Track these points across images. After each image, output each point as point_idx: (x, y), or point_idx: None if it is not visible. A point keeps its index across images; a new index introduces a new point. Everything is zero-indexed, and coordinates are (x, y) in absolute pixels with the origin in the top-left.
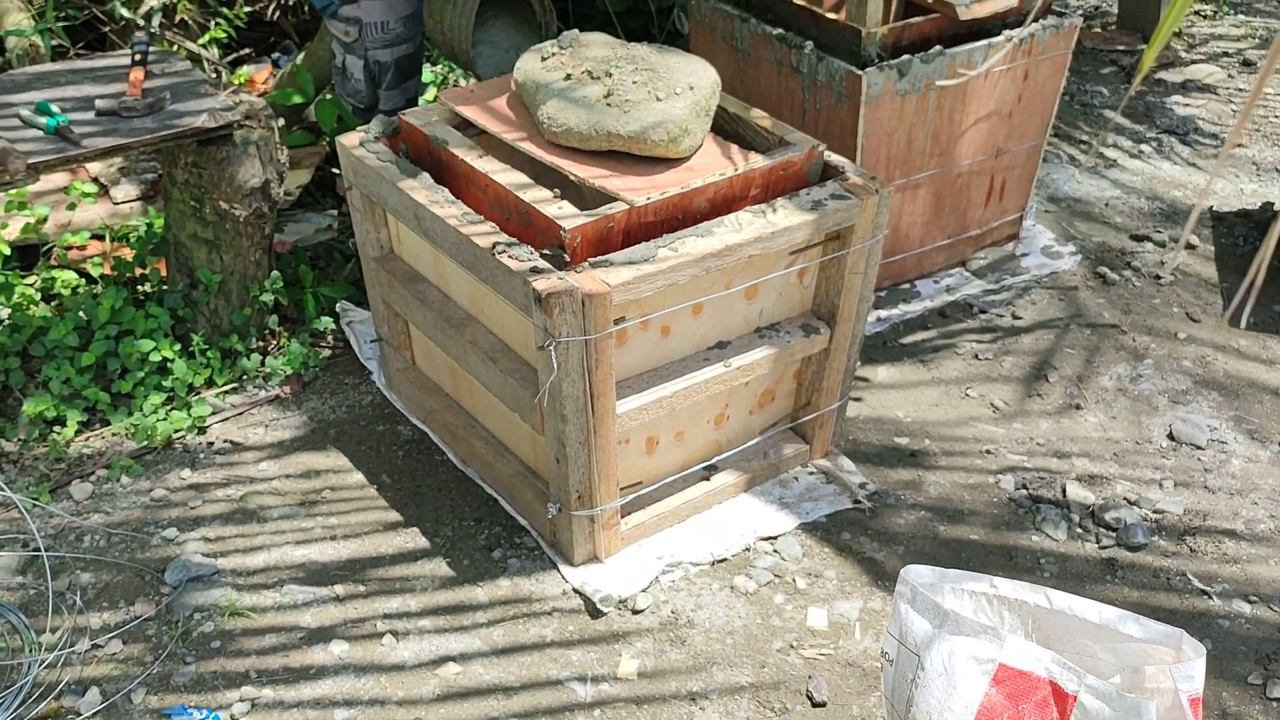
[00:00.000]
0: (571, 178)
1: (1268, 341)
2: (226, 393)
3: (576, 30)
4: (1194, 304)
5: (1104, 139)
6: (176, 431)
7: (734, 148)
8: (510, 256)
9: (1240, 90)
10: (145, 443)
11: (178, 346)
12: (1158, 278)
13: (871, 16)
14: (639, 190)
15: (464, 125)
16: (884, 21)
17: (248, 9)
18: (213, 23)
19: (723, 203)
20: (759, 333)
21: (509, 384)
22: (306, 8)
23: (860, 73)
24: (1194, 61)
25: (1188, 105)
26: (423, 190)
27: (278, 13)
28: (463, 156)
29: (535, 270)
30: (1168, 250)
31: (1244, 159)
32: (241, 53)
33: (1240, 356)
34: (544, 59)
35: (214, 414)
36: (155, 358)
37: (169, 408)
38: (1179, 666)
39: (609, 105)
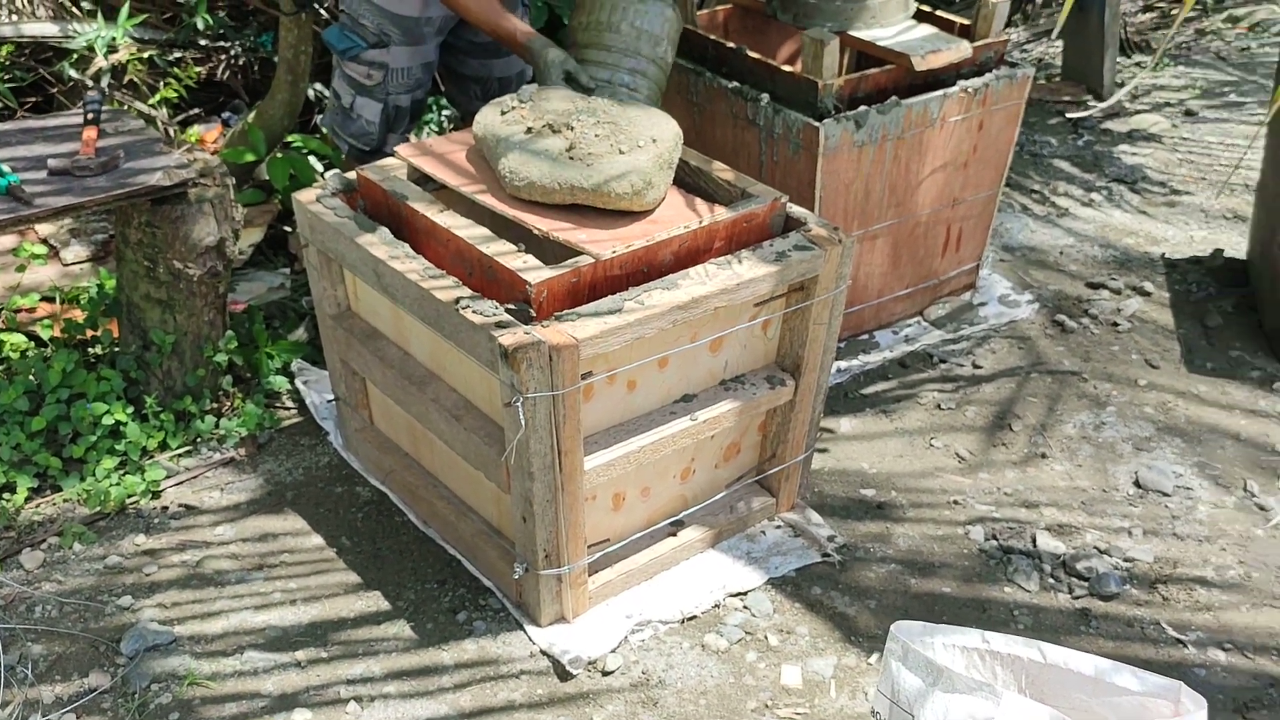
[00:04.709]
0: (535, 231)
1: (1226, 387)
2: (180, 456)
3: (535, 84)
4: (1152, 350)
5: (1055, 188)
6: (130, 496)
7: (698, 200)
8: (474, 311)
9: (1184, 139)
10: (98, 508)
11: (130, 409)
12: (1115, 325)
13: (828, 69)
14: (603, 243)
15: (423, 180)
16: (839, 74)
17: (198, 69)
18: (162, 83)
19: (687, 255)
20: (724, 385)
21: (473, 442)
22: (257, 66)
23: (818, 124)
24: (1138, 112)
25: (1135, 154)
26: (382, 246)
27: (227, 72)
28: (423, 211)
29: (500, 325)
30: (1123, 297)
31: (1192, 206)
32: (191, 112)
33: (1201, 402)
34: (503, 112)
35: (168, 478)
36: (108, 421)
37: (122, 472)
38: None
39: (571, 158)
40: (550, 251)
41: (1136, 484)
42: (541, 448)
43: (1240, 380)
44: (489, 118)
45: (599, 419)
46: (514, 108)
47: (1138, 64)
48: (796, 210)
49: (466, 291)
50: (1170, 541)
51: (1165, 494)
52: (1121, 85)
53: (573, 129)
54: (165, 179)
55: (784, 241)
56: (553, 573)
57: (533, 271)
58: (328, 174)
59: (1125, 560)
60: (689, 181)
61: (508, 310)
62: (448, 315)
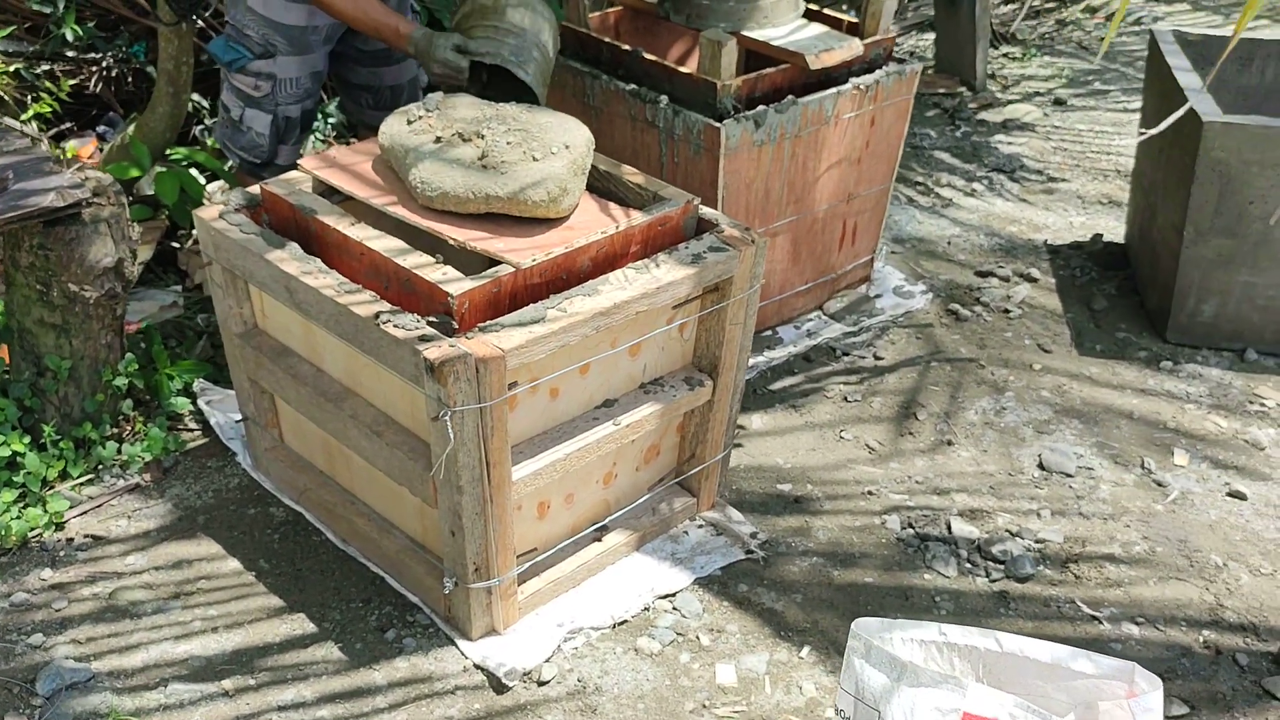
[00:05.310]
0: (451, 242)
1: (1116, 367)
2: (83, 485)
3: (440, 93)
4: (1044, 335)
5: (938, 179)
6: (32, 530)
7: (611, 205)
8: (395, 325)
9: (1056, 127)
10: None
11: (27, 439)
12: (1006, 311)
13: (726, 69)
14: (521, 252)
15: (330, 193)
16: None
17: (71, 82)
18: (29, 97)
19: (605, 261)
20: (644, 389)
21: (396, 457)
22: (130, 78)
23: (719, 125)
24: (1010, 102)
25: (1011, 144)
26: (293, 261)
27: (100, 84)
28: (334, 225)
29: (424, 338)
30: (1012, 284)
31: (1069, 193)
32: (63, 127)
33: (1094, 384)
34: (410, 122)
35: (71, 508)
36: (4, 452)
37: (22, 505)
38: (1135, 700)
39: (484, 167)
40: (464, 262)
41: (1041, 466)
42: (470, 461)
43: (1129, 360)
44: (395, 127)
45: (523, 428)
46: (421, 116)
47: (1005, 55)
48: (708, 212)
49: (385, 305)
50: (1077, 521)
51: (1069, 475)
52: (992, 76)
53: (483, 137)
54: (58, 199)
55: (699, 243)
56: (483, 585)
57: (453, 283)
58: (210, 186)
59: (1037, 541)
60: (600, 186)
61: (429, 323)
62: (367, 331)
